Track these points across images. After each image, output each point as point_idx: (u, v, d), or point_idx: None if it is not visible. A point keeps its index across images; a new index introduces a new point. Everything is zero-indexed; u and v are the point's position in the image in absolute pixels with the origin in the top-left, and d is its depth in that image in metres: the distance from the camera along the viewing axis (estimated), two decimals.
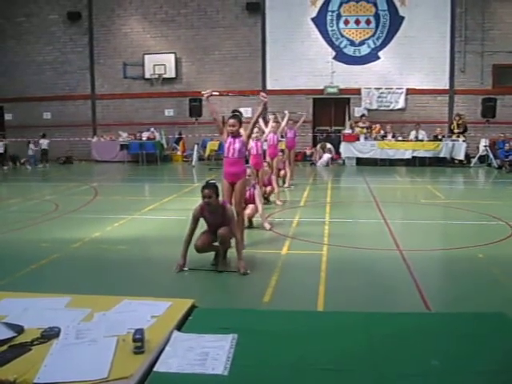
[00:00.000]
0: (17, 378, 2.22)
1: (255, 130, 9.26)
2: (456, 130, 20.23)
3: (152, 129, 23.27)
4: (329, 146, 21.33)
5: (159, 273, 6.77)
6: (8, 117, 25.46)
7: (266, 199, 11.09)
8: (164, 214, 10.78)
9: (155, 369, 2.33)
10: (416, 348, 2.59)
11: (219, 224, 6.64)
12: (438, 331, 2.79)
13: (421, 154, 20.03)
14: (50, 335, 2.61)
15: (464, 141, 19.97)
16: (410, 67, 21.78)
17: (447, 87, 21.77)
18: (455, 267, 7.01)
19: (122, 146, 22.69)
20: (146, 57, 23.48)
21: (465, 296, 5.74)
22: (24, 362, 2.37)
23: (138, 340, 2.44)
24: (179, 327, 2.78)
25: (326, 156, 20.88)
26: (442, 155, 19.86)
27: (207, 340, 2.59)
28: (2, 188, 17.07)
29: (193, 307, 3.05)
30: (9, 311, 2.96)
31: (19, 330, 2.67)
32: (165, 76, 23.50)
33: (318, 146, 21.48)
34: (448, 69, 21.66)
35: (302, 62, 22.35)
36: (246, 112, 23.18)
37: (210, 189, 6.49)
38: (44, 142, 22.51)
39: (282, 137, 14.27)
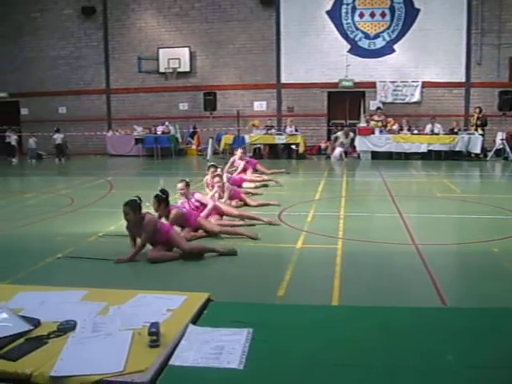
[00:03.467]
0: (33, 370, 2.24)
1: None
2: (474, 123, 20.02)
3: (167, 123, 23.33)
4: (352, 134, 21.04)
5: (174, 266, 6.78)
6: (24, 111, 25.67)
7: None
8: None
9: (171, 362, 2.34)
10: (431, 343, 2.57)
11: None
12: (452, 326, 2.78)
13: (436, 147, 19.85)
14: (66, 328, 2.62)
15: (483, 134, 19.77)
16: (426, 60, 21.62)
17: (463, 80, 21.60)
18: (470, 261, 6.96)
19: (137, 140, 22.75)
20: (161, 51, 23.53)
21: (480, 290, 5.69)
22: (40, 354, 2.38)
23: (154, 333, 2.45)
24: (194, 321, 2.78)
25: (339, 150, 20.76)
26: (457, 149, 19.65)
27: (222, 334, 2.59)
28: (16, 181, 17.24)
29: (208, 301, 3.05)
30: (25, 304, 2.97)
31: (35, 323, 2.69)
32: (179, 70, 23.54)
33: (340, 133, 21.23)
34: (464, 61, 21.48)
35: (317, 55, 22.28)
36: (261, 106, 23.26)
37: (126, 206, 7.01)
38: (58, 137, 22.68)
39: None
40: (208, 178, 10.76)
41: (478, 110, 20.15)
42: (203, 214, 8.55)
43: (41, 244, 7.87)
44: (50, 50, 24.83)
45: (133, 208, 6.99)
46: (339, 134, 21.19)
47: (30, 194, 13.19)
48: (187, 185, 8.88)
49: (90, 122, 24.57)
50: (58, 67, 24.79)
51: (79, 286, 3.43)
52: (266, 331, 2.68)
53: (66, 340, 2.51)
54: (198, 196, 9.02)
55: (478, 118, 20.07)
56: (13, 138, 23.53)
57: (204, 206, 8.83)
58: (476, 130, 19.91)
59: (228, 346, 2.47)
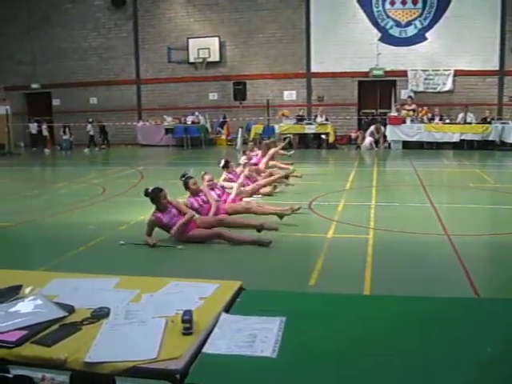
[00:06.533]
0: (68, 356, 2.25)
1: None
2: None
3: (196, 113, 23.43)
4: (383, 129, 20.80)
5: (205, 254, 6.81)
6: (55, 102, 25.99)
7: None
8: None
9: (204, 350, 2.33)
10: (466, 334, 2.53)
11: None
12: (487, 317, 2.73)
13: (469, 137, 19.57)
14: (99, 315, 2.63)
15: None
16: (459, 48, 21.23)
17: (497, 68, 21.18)
18: (504, 253, 6.85)
19: (167, 130, 22.91)
20: (190, 41, 23.56)
21: None
22: (75, 341, 2.39)
23: (187, 321, 2.44)
24: (227, 309, 2.77)
25: (369, 139, 20.62)
26: (490, 138, 19.37)
27: (255, 322, 2.57)
28: (49, 171, 17.49)
29: (240, 289, 3.04)
30: (59, 291, 2.99)
31: (70, 309, 2.70)
32: (209, 60, 23.56)
33: (372, 127, 21.02)
34: (498, 49, 21.03)
35: (347, 44, 22.04)
36: (291, 95, 23.15)
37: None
38: (90, 128, 23.09)
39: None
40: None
41: None
42: (231, 195, 8.87)
43: (73, 232, 7.97)
44: (81, 41, 25.06)
45: (152, 197, 7.24)
46: (372, 128, 21.00)
47: (63, 183, 13.37)
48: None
49: (120, 112, 24.79)
50: (89, 58, 25.02)
51: (111, 273, 3.45)
52: (299, 320, 2.66)
53: (100, 327, 2.52)
54: (221, 183, 9.42)
55: None
56: (44, 129, 23.99)
57: (227, 193, 9.04)
58: None
59: (261, 335, 2.45)
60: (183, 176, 8.24)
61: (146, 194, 7.28)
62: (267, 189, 10.63)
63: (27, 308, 2.66)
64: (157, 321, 2.56)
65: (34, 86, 25.58)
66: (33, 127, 24.28)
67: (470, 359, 2.27)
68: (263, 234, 7.23)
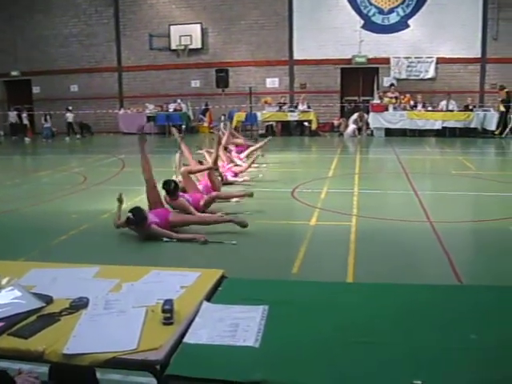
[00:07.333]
0: (46, 348, 2.20)
1: None
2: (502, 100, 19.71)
3: (178, 100, 23.30)
4: (366, 117, 20.82)
5: (186, 243, 6.75)
6: (36, 90, 25.68)
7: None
8: None
9: (185, 340, 2.29)
10: (450, 321, 2.52)
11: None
12: (469, 304, 2.72)
13: (451, 124, 19.67)
14: (78, 305, 2.58)
15: (506, 112, 19.40)
16: (441, 35, 21.25)
17: (479, 56, 21.24)
18: (486, 239, 6.90)
19: (149, 118, 22.74)
20: (172, 28, 23.36)
21: (496, 269, 5.63)
22: (53, 332, 2.34)
23: (168, 311, 2.40)
24: (208, 298, 2.74)
25: (352, 127, 20.65)
26: (472, 126, 19.48)
27: (237, 311, 2.54)
28: (30, 160, 17.30)
29: (222, 277, 3.00)
30: (37, 281, 2.94)
31: (48, 300, 2.65)
32: (191, 47, 23.40)
33: (355, 115, 21.02)
34: (480, 36, 21.07)
35: (330, 31, 21.97)
36: (274, 82, 23.06)
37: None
38: (69, 116, 22.85)
39: None
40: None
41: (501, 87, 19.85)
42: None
43: (55, 221, 7.90)
44: (62, 28, 24.75)
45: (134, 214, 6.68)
46: (355, 115, 20.98)
47: (44, 172, 13.22)
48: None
49: (101, 99, 24.57)
50: (70, 45, 24.74)
51: (92, 262, 3.40)
52: (282, 308, 2.63)
53: (79, 317, 2.48)
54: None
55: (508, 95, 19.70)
56: (24, 117, 23.72)
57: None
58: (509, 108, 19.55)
59: (243, 324, 2.42)
60: (169, 184, 7.83)
61: (128, 220, 6.70)
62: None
63: (4, 299, 2.60)
64: (137, 311, 2.52)
65: (14, 73, 25.25)
66: (12, 116, 23.95)
67: (453, 346, 2.26)
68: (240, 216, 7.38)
